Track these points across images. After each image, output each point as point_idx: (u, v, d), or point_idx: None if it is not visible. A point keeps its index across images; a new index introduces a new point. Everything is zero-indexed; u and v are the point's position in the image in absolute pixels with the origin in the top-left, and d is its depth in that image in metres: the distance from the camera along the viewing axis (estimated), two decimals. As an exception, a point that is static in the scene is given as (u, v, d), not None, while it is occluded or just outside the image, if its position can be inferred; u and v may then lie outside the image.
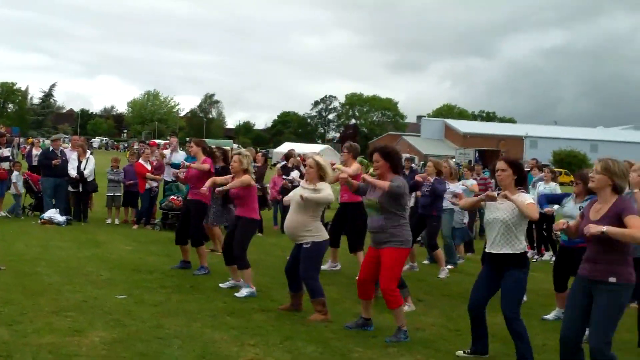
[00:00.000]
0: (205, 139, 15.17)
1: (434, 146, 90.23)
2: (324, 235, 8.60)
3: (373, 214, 7.79)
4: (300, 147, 55.90)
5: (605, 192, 5.91)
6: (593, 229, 5.58)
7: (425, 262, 13.41)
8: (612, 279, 5.69)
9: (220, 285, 9.99)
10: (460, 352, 7.24)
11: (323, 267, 11.80)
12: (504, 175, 6.96)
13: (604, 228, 5.56)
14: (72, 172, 16.76)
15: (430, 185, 12.28)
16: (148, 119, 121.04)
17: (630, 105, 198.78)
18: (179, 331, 7.52)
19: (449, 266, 12.83)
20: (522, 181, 7.03)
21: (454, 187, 13.09)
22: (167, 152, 17.39)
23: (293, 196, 8.71)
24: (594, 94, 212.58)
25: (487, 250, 7.07)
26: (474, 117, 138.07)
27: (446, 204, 12.79)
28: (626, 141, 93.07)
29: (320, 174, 8.58)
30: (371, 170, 8.88)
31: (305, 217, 8.46)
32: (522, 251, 6.86)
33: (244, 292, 9.48)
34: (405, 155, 32.54)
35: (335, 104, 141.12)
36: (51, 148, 16.91)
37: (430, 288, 11.00)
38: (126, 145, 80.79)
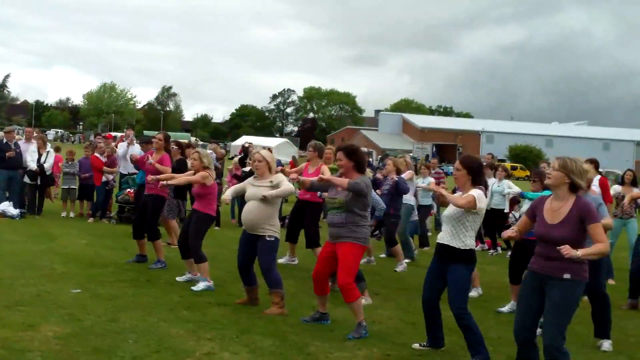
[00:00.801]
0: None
1: (392, 140, 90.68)
2: (279, 233, 8.63)
3: (334, 212, 7.76)
4: (258, 141, 55.78)
5: (561, 189, 5.90)
6: (571, 253, 5.57)
7: (382, 255, 13.47)
8: (567, 276, 5.73)
9: (177, 279, 9.93)
10: (416, 345, 7.30)
11: (280, 260, 11.81)
12: (459, 175, 7.04)
13: (579, 253, 5.54)
14: (32, 164, 16.52)
15: (390, 183, 12.33)
16: (104, 111, 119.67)
17: (585, 101, 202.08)
18: (135, 325, 7.45)
19: (407, 260, 12.91)
20: (478, 181, 7.06)
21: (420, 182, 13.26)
22: (123, 144, 17.19)
23: (250, 196, 8.64)
24: (550, 89, 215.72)
25: (437, 240, 7.15)
26: (431, 111, 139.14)
27: (404, 199, 12.87)
28: (580, 137, 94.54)
29: (269, 167, 8.58)
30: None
31: (269, 210, 8.45)
32: (468, 248, 6.89)
33: (200, 285, 9.43)
34: (363, 150, 32.74)
35: (294, 97, 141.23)
36: (5, 140, 16.61)
37: (387, 281, 11.05)
38: (82, 137, 79.79)
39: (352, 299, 7.64)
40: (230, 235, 14.61)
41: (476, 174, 7.02)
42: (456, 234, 6.89)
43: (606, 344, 7.98)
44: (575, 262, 5.72)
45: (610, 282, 12.33)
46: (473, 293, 10.62)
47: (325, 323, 8.02)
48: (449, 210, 6.99)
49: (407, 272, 12.10)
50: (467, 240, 6.88)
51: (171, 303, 8.57)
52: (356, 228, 7.66)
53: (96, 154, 16.99)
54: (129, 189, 16.38)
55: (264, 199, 8.28)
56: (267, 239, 8.44)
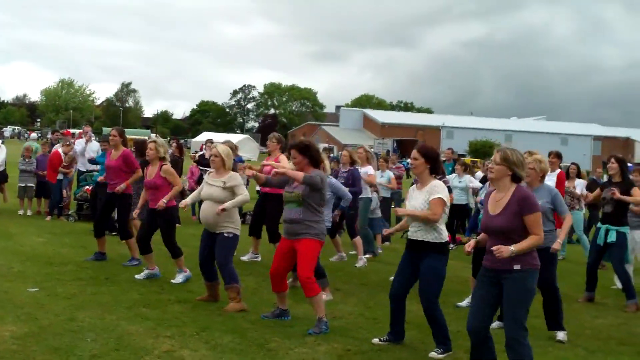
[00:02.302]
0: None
1: (353, 136, 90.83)
2: (239, 229, 8.63)
3: (292, 207, 7.74)
4: (219, 137, 55.50)
5: (504, 181, 5.98)
6: (504, 253, 5.67)
7: (353, 252, 13.47)
8: (517, 266, 5.79)
9: (136, 276, 9.84)
10: (375, 340, 7.32)
11: (243, 257, 11.76)
12: (417, 164, 7.08)
13: (512, 248, 5.67)
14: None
15: (345, 175, 12.33)
16: (62, 108, 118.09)
17: (544, 96, 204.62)
18: (93, 324, 7.38)
19: (368, 255, 12.96)
20: (436, 169, 7.12)
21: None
22: (81, 141, 16.97)
23: (205, 194, 8.63)
24: (510, 85, 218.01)
25: (408, 236, 7.17)
26: (392, 107, 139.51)
27: (363, 192, 12.90)
28: (539, 131, 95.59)
29: (223, 162, 8.56)
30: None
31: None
32: (442, 241, 6.97)
33: (179, 278, 9.57)
34: (324, 145, 32.70)
35: (255, 93, 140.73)
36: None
37: (349, 277, 11.08)
38: (39, 134, 78.58)
39: (313, 293, 7.65)
40: (191, 232, 14.51)
41: (434, 163, 7.09)
42: (428, 228, 6.94)
43: (561, 334, 8.09)
44: (525, 253, 5.80)
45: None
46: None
47: (285, 319, 8.01)
48: (416, 205, 7.01)
49: (369, 268, 12.13)
50: (439, 233, 6.95)
51: (130, 301, 8.51)
52: (312, 224, 7.65)
53: (59, 150, 16.72)
54: (87, 186, 16.18)
55: (220, 212, 8.26)
56: (225, 235, 8.44)
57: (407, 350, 7.19)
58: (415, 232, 7.05)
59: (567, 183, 14.08)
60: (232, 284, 8.48)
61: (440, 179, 7.31)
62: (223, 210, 8.24)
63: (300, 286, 8.09)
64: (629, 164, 18.87)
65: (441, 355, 6.99)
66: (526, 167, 6.15)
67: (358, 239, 12.69)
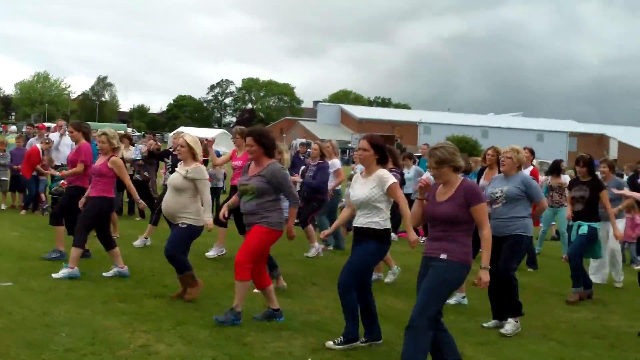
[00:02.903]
0: (98, 123, 14.67)
1: (330, 131, 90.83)
2: (201, 221, 8.51)
3: (247, 198, 7.65)
4: (196, 132, 55.29)
5: (448, 177, 6.04)
6: (485, 278, 5.80)
7: (330, 247, 13.47)
8: (443, 256, 5.83)
9: (104, 274, 9.67)
10: (359, 342, 7.13)
11: (209, 253, 11.63)
12: (366, 155, 7.08)
13: (483, 266, 5.82)
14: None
15: (315, 169, 12.34)
16: (37, 102, 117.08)
17: (521, 92, 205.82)
18: (68, 318, 7.34)
19: (330, 247, 13.06)
20: (383, 159, 7.16)
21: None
22: (55, 135, 16.82)
23: (169, 180, 8.63)
24: (488, 81, 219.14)
25: (353, 225, 7.19)
26: (369, 102, 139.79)
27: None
28: (515, 128, 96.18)
29: (192, 152, 8.50)
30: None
31: (184, 198, 8.39)
32: (383, 227, 6.96)
33: (62, 272, 9.32)
34: (301, 140, 32.69)
35: (232, 88, 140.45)
36: None
37: (325, 271, 11.08)
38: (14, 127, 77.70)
39: (241, 277, 7.51)
40: (166, 227, 14.46)
41: (382, 153, 7.12)
42: (372, 217, 6.95)
43: (508, 326, 8.04)
44: (455, 245, 5.85)
45: (530, 270, 12.58)
46: (389, 278, 10.73)
47: (278, 320, 7.79)
48: (363, 195, 6.99)
49: (343, 262, 12.10)
50: (383, 222, 6.95)
51: (106, 296, 8.46)
52: (267, 213, 7.54)
53: (38, 146, 16.51)
54: (62, 181, 16.01)
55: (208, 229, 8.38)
56: (180, 226, 8.40)
57: (382, 344, 7.19)
58: (359, 220, 7.05)
59: (552, 179, 14.20)
60: (185, 272, 8.46)
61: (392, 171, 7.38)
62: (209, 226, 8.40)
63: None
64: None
65: (342, 347, 6.94)
66: (459, 155, 6.17)
67: (310, 228, 12.64)
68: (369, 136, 7.28)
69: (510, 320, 8.09)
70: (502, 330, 7.98)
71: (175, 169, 8.75)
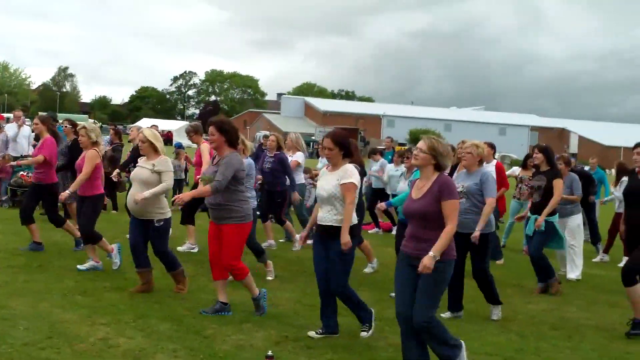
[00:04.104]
0: (58, 114, 14.49)
1: (294, 124, 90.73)
2: (169, 211, 8.57)
3: None
4: (159, 124, 54.96)
5: (427, 169, 6.04)
6: (428, 263, 5.73)
7: (282, 240, 13.46)
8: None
9: (78, 267, 9.59)
10: (312, 333, 7.22)
11: (180, 248, 11.59)
12: (332, 154, 7.10)
13: (431, 254, 5.73)
14: None
15: (272, 160, 12.31)
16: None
17: (483, 86, 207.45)
18: (26, 311, 7.26)
19: (309, 241, 13.02)
20: (348, 154, 7.18)
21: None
22: (12, 126, 16.57)
23: (134, 176, 8.56)
24: (451, 75, 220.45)
25: (317, 222, 7.21)
26: (333, 95, 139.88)
27: (297, 179, 12.94)
28: (477, 121, 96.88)
29: (153, 146, 8.45)
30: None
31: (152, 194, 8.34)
32: (352, 223, 6.98)
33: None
34: (264, 133, 32.62)
35: (196, 80, 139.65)
36: None
37: (286, 264, 11.08)
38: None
39: (242, 277, 7.65)
40: (129, 220, 14.38)
41: (347, 149, 7.14)
42: (339, 213, 6.98)
43: (496, 311, 8.51)
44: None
45: (499, 262, 12.70)
46: (368, 269, 10.80)
47: (226, 314, 7.75)
48: (328, 190, 7.02)
49: (305, 255, 12.12)
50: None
51: (65, 289, 8.38)
52: (235, 206, 7.53)
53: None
54: (22, 172, 15.84)
55: (139, 202, 8.18)
56: (156, 224, 8.38)
57: (344, 336, 7.23)
58: (324, 216, 7.08)
59: (522, 172, 14.32)
60: (177, 268, 8.55)
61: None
62: (143, 199, 8.16)
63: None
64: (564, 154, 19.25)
65: (370, 332, 7.18)
66: (451, 158, 6.22)
67: (288, 224, 12.68)
68: (332, 134, 7.26)
69: (495, 307, 8.53)
70: (494, 317, 8.44)
71: (137, 163, 8.67)
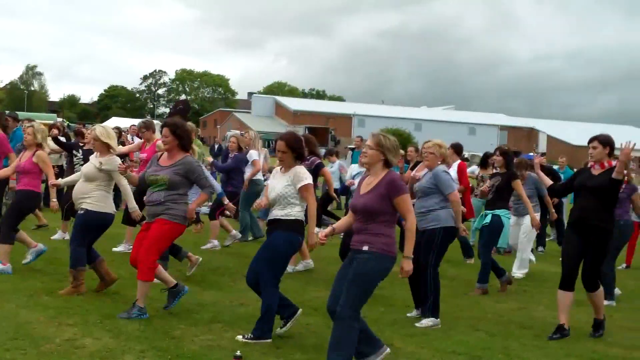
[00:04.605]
0: (26, 112, 14.29)
1: (265, 123, 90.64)
2: (105, 208, 8.29)
3: (156, 189, 7.51)
4: (129, 122, 54.50)
5: (376, 166, 6.06)
6: (407, 267, 5.90)
7: (250, 238, 13.43)
8: (365, 247, 5.87)
9: (24, 262, 9.51)
10: (279, 330, 7.18)
11: (117, 249, 11.40)
12: (284, 157, 7.10)
13: (407, 255, 5.92)
14: None
15: (231, 161, 12.27)
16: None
17: (453, 86, 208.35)
18: (-9, 313, 7.17)
19: (250, 238, 13.10)
20: (301, 156, 7.20)
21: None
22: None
23: (84, 167, 8.57)
24: (421, 75, 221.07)
25: (269, 217, 7.22)
26: (304, 95, 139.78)
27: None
28: (447, 121, 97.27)
29: (105, 144, 8.35)
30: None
31: (90, 185, 8.24)
32: (294, 218, 7.02)
33: None
34: (234, 132, 32.52)
35: (166, 79, 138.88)
36: None
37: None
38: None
39: (146, 278, 7.40)
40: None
41: (299, 151, 7.15)
42: (285, 210, 7.01)
43: (425, 321, 8.15)
44: (378, 237, 5.88)
45: (469, 261, 12.78)
46: (299, 267, 10.84)
47: (184, 293, 7.73)
48: (277, 190, 7.04)
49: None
50: (294, 213, 7.02)
51: (31, 289, 8.29)
52: (173, 205, 7.45)
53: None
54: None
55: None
56: (79, 212, 8.26)
57: (312, 336, 7.23)
58: (274, 213, 7.09)
59: (482, 171, 14.43)
60: (78, 266, 8.25)
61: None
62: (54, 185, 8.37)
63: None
64: (531, 154, 19.44)
65: (286, 327, 7.15)
66: (399, 154, 6.25)
67: (215, 222, 12.61)
68: (285, 137, 7.23)
69: (428, 318, 8.17)
70: (417, 324, 8.08)
71: (90, 159, 8.60)
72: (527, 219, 11.45)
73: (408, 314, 8.41)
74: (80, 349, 6.28)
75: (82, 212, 8.23)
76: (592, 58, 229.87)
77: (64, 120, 70.21)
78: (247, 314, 7.90)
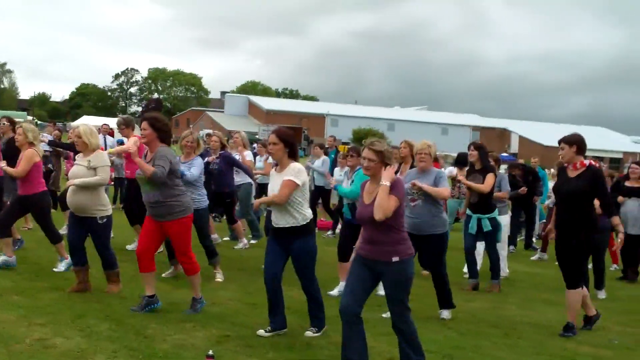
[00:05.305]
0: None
1: (238, 122, 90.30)
2: (110, 208, 8.51)
3: (147, 189, 7.55)
4: (101, 121, 54.06)
5: (379, 174, 6.06)
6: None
7: (226, 238, 13.42)
8: (395, 259, 5.94)
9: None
10: (261, 332, 7.17)
11: (129, 247, 11.39)
12: (276, 149, 7.10)
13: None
14: None
15: (218, 161, 12.11)
16: None
17: (426, 87, 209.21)
18: (-40, 312, 7.10)
19: (253, 240, 13.03)
20: (294, 153, 7.19)
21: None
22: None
23: (72, 174, 8.48)
24: (395, 75, 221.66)
25: (272, 224, 7.21)
26: (277, 94, 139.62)
27: (242, 178, 12.87)
28: (420, 121, 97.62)
29: (86, 142, 8.33)
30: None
31: (91, 192, 8.25)
32: (307, 221, 7.07)
33: (61, 266, 9.49)
34: (207, 131, 32.42)
35: (138, 77, 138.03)
36: None
37: (228, 263, 11.03)
38: None
39: (192, 272, 7.73)
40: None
41: (292, 147, 7.15)
42: (291, 213, 7.01)
43: (445, 313, 8.65)
44: (400, 244, 5.97)
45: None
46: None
47: (155, 306, 7.73)
48: (276, 188, 7.05)
49: (248, 254, 12.14)
50: (303, 215, 7.05)
51: (1, 289, 8.22)
52: (174, 201, 7.52)
53: None
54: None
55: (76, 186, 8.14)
56: (99, 222, 8.28)
57: (285, 335, 7.23)
58: (278, 219, 7.10)
59: (455, 170, 14.50)
60: (115, 268, 8.49)
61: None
62: (72, 185, 8.17)
63: (180, 273, 7.99)
64: (505, 154, 19.60)
65: (317, 334, 7.23)
66: (393, 156, 6.29)
67: (238, 225, 12.66)
68: (277, 130, 7.28)
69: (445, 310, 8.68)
70: (443, 316, 8.59)
71: (74, 161, 8.56)
72: (504, 219, 11.53)
73: (383, 315, 8.44)
74: (51, 348, 6.23)
75: (103, 220, 8.33)
76: (564, 60, 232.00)
77: (34, 118, 69.56)
78: (219, 313, 7.89)
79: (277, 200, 6.99)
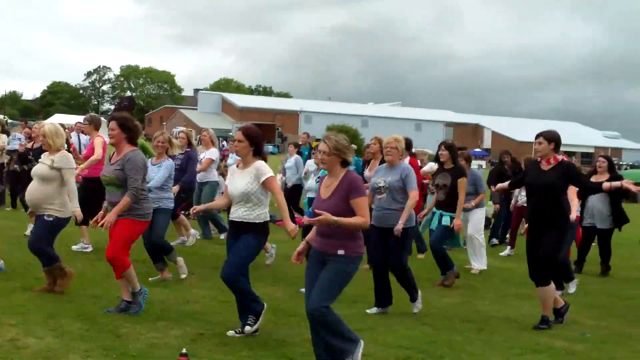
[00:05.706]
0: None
1: (211, 120, 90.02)
2: (67, 212, 8.23)
3: (112, 190, 7.52)
4: (73, 119, 53.66)
5: (335, 168, 6.11)
6: (327, 218, 5.79)
7: (199, 237, 13.38)
8: (341, 252, 5.95)
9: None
10: (232, 332, 7.13)
11: (74, 247, 11.23)
12: (241, 147, 7.09)
13: (336, 219, 5.80)
14: None
15: (182, 157, 11.90)
16: None
17: (400, 83, 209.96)
18: None
19: (222, 236, 13.00)
20: (259, 150, 7.17)
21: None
22: None
23: (34, 171, 8.34)
24: (369, 71, 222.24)
25: (229, 217, 7.19)
26: (251, 91, 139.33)
27: (209, 175, 12.84)
28: (394, 117, 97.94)
29: (49, 142, 8.23)
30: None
31: (50, 189, 8.11)
32: (261, 221, 7.04)
33: None
34: (180, 129, 32.27)
35: (110, 75, 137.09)
36: None
37: (203, 261, 11.01)
38: None
39: (122, 269, 7.52)
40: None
41: (257, 145, 7.14)
42: (250, 209, 6.99)
43: (417, 304, 8.68)
44: (350, 239, 5.98)
45: (420, 256, 12.89)
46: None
47: (133, 313, 7.58)
48: (240, 188, 7.01)
49: (223, 252, 12.04)
50: (260, 214, 7.02)
51: (-28, 289, 8.14)
52: (136, 204, 7.45)
53: None
54: None
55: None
56: (45, 218, 8.10)
57: (260, 333, 7.20)
58: (237, 213, 7.05)
59: (436, 166, 14.50)
60: (52, 264, 8.21)
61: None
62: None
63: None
64: (478, 149, 19.70)
65: (256, 325, 7.11)
66: (351, 151, 6.29)
67: (181, 219, 12.50)
68: (244, 127, 7.27)
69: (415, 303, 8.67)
70: (414, 310, 8.60)
71: (39, 159, 8.46)
72: (473, 214, 11.58)
73: (367, 311, 8.47)
74: (22, 349, 6.18)
75: (50, 219, 8.08)
76: (536, 55, 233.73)
77: (5, 116, 68.87)
78: (194, 311, 7.87)
79: (282, 200, 7.16)
